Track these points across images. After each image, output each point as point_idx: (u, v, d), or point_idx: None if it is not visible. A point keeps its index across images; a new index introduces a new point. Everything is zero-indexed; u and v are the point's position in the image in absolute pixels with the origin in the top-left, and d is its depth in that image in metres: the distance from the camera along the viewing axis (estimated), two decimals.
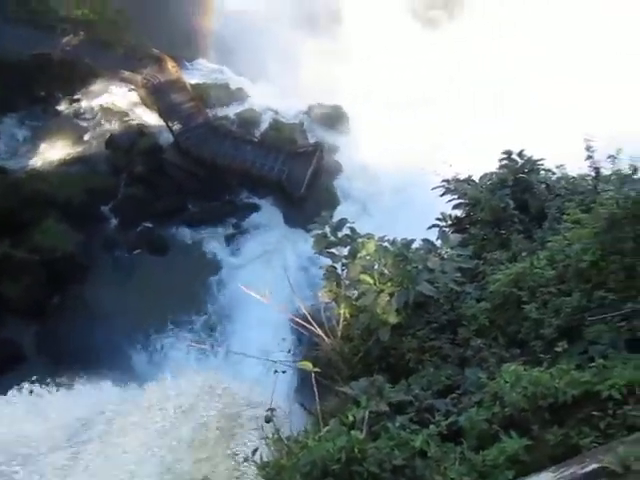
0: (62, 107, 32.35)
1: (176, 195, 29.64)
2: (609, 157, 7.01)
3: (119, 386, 17.39)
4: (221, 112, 32.39)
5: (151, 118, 31.72)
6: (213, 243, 29.22)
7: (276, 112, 32.69)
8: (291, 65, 34.88)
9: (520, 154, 8.12)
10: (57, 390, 17.55)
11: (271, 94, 32.94)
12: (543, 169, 8.15)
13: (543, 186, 7.97)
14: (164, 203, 29.28)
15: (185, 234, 29.30)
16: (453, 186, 8.00)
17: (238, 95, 33.31)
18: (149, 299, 25.33)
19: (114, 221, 29.14)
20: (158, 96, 31.44)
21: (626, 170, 6.06)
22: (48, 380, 18.24)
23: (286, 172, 29.38)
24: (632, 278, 4.97)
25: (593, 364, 4.39)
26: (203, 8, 37.91)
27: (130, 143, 30.40)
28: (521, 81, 29.89)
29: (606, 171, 7.19)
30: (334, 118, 32.70)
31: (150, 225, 29.09)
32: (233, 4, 39.14)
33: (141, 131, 31.10)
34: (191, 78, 33.72)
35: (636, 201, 4.64)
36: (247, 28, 36.29)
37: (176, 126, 30.46)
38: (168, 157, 30.25)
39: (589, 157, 7.28)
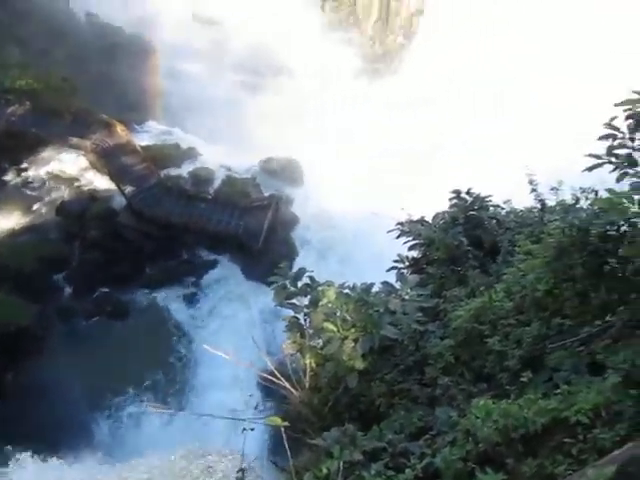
0: (9, 177, 31.79)
1: (132, 258, 29.16)
2: (552, 189, 7.33)
3: (82, 465, 16.47)
4: (174, 172, 32.43)
5: (102, 182, 31.45)
6: (173, 303, 28.69)
7: (228, 168, 32.95)
8: (241, 121, 35.50)
9: (468, 192, 8.36)
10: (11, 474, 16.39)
11: (223, 151, 33.29)
12: (491, 205, 8.40)
13: (494, 221, 8.20)
14: (120, 267, 28.73)
15: (144, 296, 28.70)
16: (407, 228, 8.14)
17: (190, 154, 33.49)
18: (110, 367, 24.40)
19: (69, 289, 28.35)
20: (108, 160, 31.29)
21: (569, 200, 6.31)
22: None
23: (242, 226, 29.39)
24: (585, 303, 5.10)
25: (558, 391, 4.45)
26: (150, 71, 38.46)
27: (82, 209, 29.99)
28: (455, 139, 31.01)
29: (551, 202, 7.48)
30: (287, 170, 33.15)
31: (107, 290, 28.41)
32: (180, 65, 39.94)
33: (93, 196, 30.76)
34: (141, 140, 33.81)
35: (580, 228, 4.83)
36: (195, 88, 36.93)
37: (128, 189, 30.25)
38: (122, 220, 29.89)
39: (533, 190, 7.58)
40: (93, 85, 34.12)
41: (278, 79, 41.70)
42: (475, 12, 35.50)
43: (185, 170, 32.53)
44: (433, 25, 39.12)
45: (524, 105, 29.19)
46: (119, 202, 30.55)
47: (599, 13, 31.77)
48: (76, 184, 31.50)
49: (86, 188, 31.32)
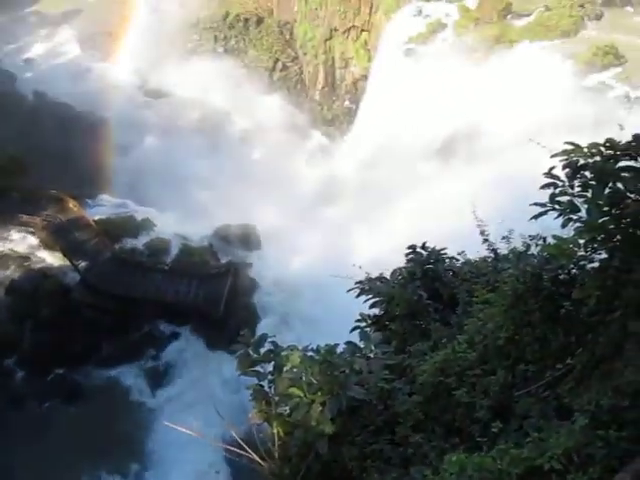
0: None
1: (88, 335, 28.12)
2: (503, 238, 7.55)
3: None
4: (129, 244, 31.99)
5: (55, 259, 30.67)
6: (133, 380, 27.60)
7: (184, 237, 32.74)
8: (196, 189, 35.61)
9: (424, 247, 8.51)
10: None
11: (178, 220, 33.14)
12: (447, 257, 8.55)
13: (450, 273, 8.34)
14: (75, 346, 27.63)
15: (101, 375, 27.56)
16: (367, 286, 8.16)
17: (145, 225, 33.20)
18: (68, 454, 23.02)
19: (21, 373, 26.98)
20: (60, 236, 30.66)
21: (520, 248, 6.49)
22: None
23: (202, 296, 28.95)
24: (546, 347, 5.18)
25: (529, 439, 4.43)
26: (102, 145, 38.49)
27: (33, 287, 28.99)
28: None
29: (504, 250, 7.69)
30: (244, 236, 33.18)
31: (61, 372, 27.16)
32: (132, 137, 40.18)
33: (45, 274, 29.86)
34: (95, 214, 33.41)
35: (533, 275, 4.96)
36: (148, 159, 37.07)
37: (82, 264, 29.58)
38: (76, 296, 29.01)
39: (485, 240, 7.78)
40: (44, 162, 33.81)
41: (229, 146, 42.37)
42: (418, 74, 37.25)
43: (140, 242, 32.14)
44: (377, 89, 40.81)
45: (470, 160, 30.32)
46: (73, 278, 29.74)
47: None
48: (26, 263, 30.60)
49: (37, 266, 30.44)
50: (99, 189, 36.45)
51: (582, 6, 35.53)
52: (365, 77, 44.30)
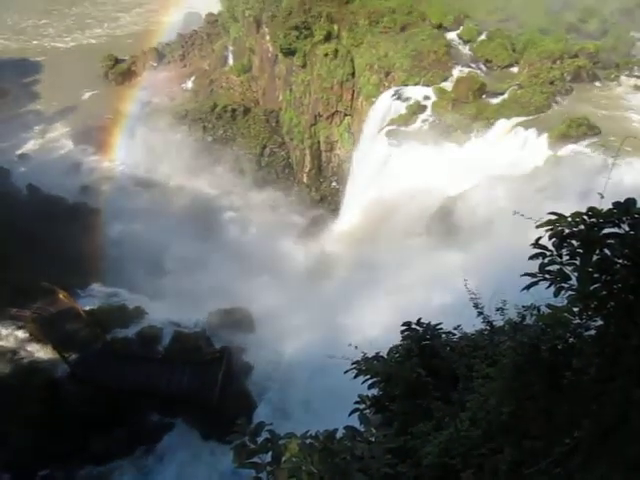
0: None
1: (77, 431, 27.02)
2: (497, 310, 7.51)
3: None
4: (120, 334, 31.49)
5: (44, 353, 30.01)
6: (124, 477, 26.30)
7: (177, 324, 32.35)
8: (187, 275, 35.58)
9: (419, 323, 8.43)
10: None
11: (170, 307, 32.89)
12: (443, 332, 8.46)
13: (448, 348, 8.22)
14: (64, 443, 26.47)
15: (91, 473, 26.27)
16: (364, 366, 8.00)
17: (136, 314, 32.87)
18: None
19: (6, 475, 25.65)
20: (50, 328, 30.20)
21: (516, 318, 6.45)
22: None
23: (195, 383, 28.24)
24: (551, 420, 5.03)
25: None
26: (93, 235, 38.75)
27: (21, 382, 28.12)
28: None
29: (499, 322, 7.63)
30: (238, 320, 32.82)
31: (49, 472, 25.87)
32: (123, 226, 40.57)
33: (33, 368, 29.09)
34: (86, 304, 33.10)
35: (531, 345, 4.90)
36: (139, 247, 37.25)
37: (72, 356, 28.94)
38: (65, 390, 28.15)
39: (480, 313, 7.73)
40: (36, 254, 33.91)
41: (219, 230, 42.85)
42: (401, 153, 38.43)
43: (132, 331, 31.68)
44: (363, 169, 41.95)
45: (458, 234, 30.74)
46: (62, 371, 29.00)
47: None
48: (15, 357, 29.90)
49: (26, 360, 29.72)
50: (90, 279, 36.35)
51: (552, 83, 37.35)
52: (350, 159, 45.63)
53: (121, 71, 62.77)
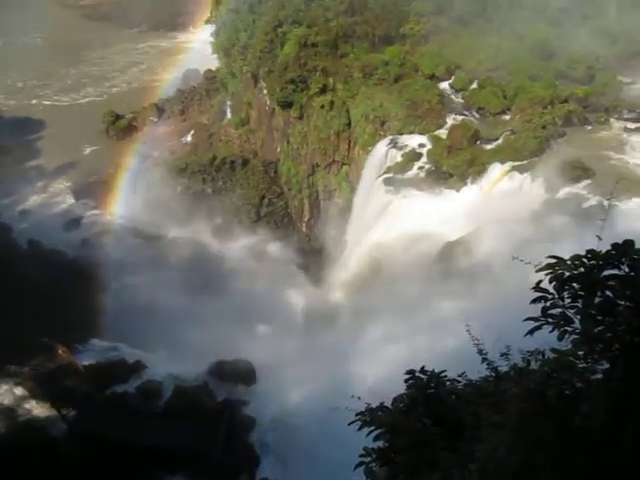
0: None
1: None
2: (502, 355, 7.40)
3: None
4: (120, 389, 30.99)
5: (42, 410, 29.40)
6: None
7: (178, 377, 31.88)
8: (188, 327, 35.28)
9: (422, 371, 8.31)
10: None
11: (170, 360, 32.48)
12: (448, 380, 8.32)
13: (453, 397, 8.07)
14: None
15: None
16: (368, 417, 7.84)
17: (136, 368, 32.46)
18: None
19: None
20: (48, 385, 29.71)
21: (520, 364, 6.36)
22: None
23: (198, 438, 27.57)
24: (562, 469, 4.89)
25: None
26: (93, 289, 38.63)
27: (17, 441, 27.43)
28: None
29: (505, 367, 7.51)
30: (239, 372, 32.40)
31: None
32: (123, 279, 40.50)
33: (30, 426, 28.44)
34: (85, 360, 32.69)
35: (537, 391, 4.82)
36: (140, 300, 37.08)
37: (71, 413, 28.36)
38: (63, 449, 27.44)
39: (484, 359, 7.62)
40: (35, 309, 33.72)
41: (219, 281, 42.74)
42: (399, 200, 38.74)
43: (131, 386, 31.20)
44: (362, 217, 42.27)
45: (460, 278, 30.68)
46: (60, 429, 28.34)
47: None
48: (12, 415, 29.28)
49: (23, 418, 29.10)
50: (90, 333, 36.03)
51: (544, 127, 38.08)
52: (349, 207, 46.02)
53: (122, 127, 64.03)
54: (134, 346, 34.54)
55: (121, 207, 51.81)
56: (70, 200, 54.73)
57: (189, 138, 61.47)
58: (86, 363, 32.08)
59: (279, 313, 38.33)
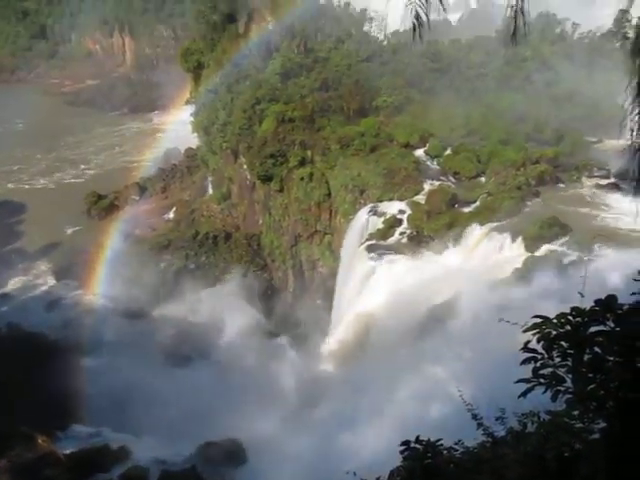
0: None
1: None
2: (497, 419, 7.27)
3: None
4: (103, 478, 29.50)
5: None
6: None
7: (165, 462, 30.53)
8: (175, 408, 34.19)
9: (418, 441, 8.09)
10: None
11: (157, 444, 31.23)
12: (444, 449, 8.11)
13: (451, 465, 7.83)
14: None
15: None
16: None
17: (120, 454, 31.12)
18: None
19: None
20: (28, 477, 28.22)
21: (517, 427, 6.26)
22: None
23: None
24: None
25: None
26: (74, 373, 37.53)
27: None
28: None
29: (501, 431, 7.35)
30: (229, 452, 31.22)
31: None
32: (106, 361, 39.49)
33: None
34: (66, 448, 31.28)
35: (535, 455, 4.73)
36: (123, 381, 36.03)
37: None
38: None
39: (479, 425, 7.47)
40: (15, 395, 32.53)
41: (205, 359, 41.92)
42: (382, 266, 38.94)
43: (115, 474, 29.78)
44: (346, 285, 42.26)
45: (448, 342, 30.47)
46: None
47: None
48: None
49: None
50: (71, 419, 34.69)
51: (519, 188, 39.13)
52: (333, 276, 46.07)
53: (104, 206, 64.40)
54: (118, 430, 33.23)
55: (103, 286, 51.25)
56: (52, 281, 54.10)
57: (171, 215, 61.92)
58: (67, 451, 30.67)
59: (267, 388, 37.38)
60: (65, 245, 58.38)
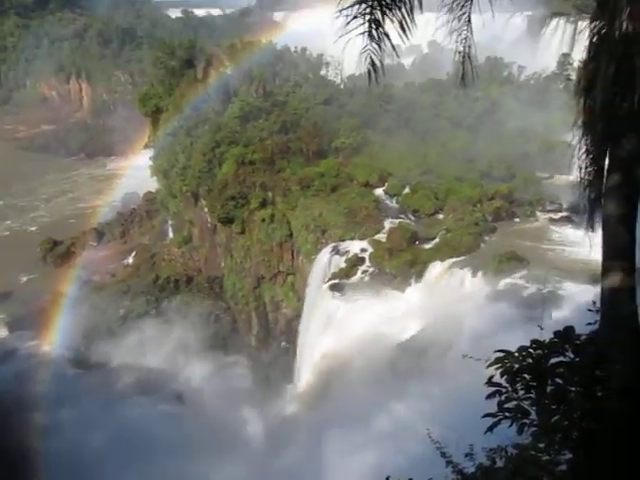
0: None
1: None
2: (466, 455, 7.24)
3: None
4: None
5: None
6: None
7: None
8: (136, 460, 32.87)
9: None
10: None
11: None
12: None
13: None
14: None
15: None
16: None
17: None
18: None
19: None
20: None
21: (485, 462, 6.23)
22: None
23: None
24: None
25: None
26: (26, 428, 35.76)
27: None
28: None
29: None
30: None
31: None
32: (62, 415, 37.84)
33: None
34: None
35: None
36: (76, 436, 34.54)
37: None
38: None
39: (449, 462, 7.43)
40: None
41: (169, 406, 40.64)
42: (346, 305, 38.92)
43: None
44: (311, 325, 41.98)
45: (414, 378, 30.45)
46: None
47: None
48: None
49: None
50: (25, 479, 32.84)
51: (477, 224, 40.12)
52: (297, 317, 45.75)
53: (60, 253, 62.79)
54: None
55: (60, 336, 49.46)
56: (4, 332, 51.95)
57: (130, 260, 60.79)
58: None
59: (232, 433, 36.37)
60: (19, 294, 56.38)
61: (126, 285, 54.11)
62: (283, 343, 48.50)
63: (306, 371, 40.73)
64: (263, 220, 47.14)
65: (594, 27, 4.82)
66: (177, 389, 43.21)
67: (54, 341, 49.33)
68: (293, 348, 45.85)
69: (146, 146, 64.94)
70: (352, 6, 4.79)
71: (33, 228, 72.22)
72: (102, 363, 46.12)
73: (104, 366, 45.82)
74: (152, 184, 64.52)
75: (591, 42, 4.88)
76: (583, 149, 5.14)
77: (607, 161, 4.89)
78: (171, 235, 61.03)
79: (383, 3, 4.79)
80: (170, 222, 61.83)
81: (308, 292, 43.63)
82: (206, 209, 52.96)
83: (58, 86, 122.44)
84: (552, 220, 41.58)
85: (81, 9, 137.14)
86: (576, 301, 24.86)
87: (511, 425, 4.62)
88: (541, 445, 4.47)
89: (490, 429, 4.59)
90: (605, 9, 4.58)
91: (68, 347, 48.24)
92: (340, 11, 4.75)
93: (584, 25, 5.14)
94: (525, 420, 4.61)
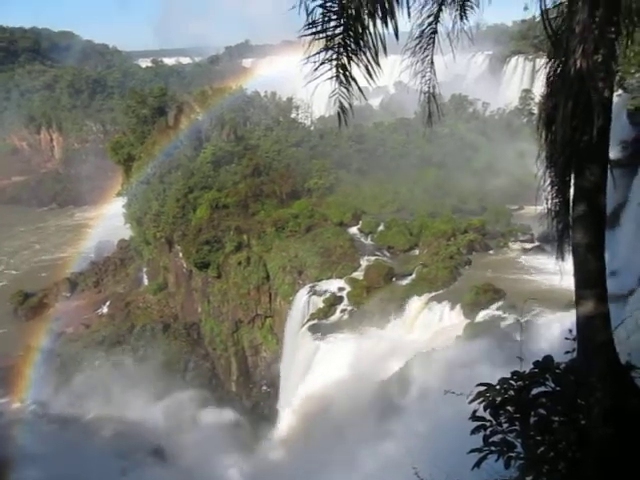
0: None
1: None
2: None
3: None
4: None
5: None
6: None
7: None
8: None
9: None
10: None
11: None
12: None
13: None
14: None
15: None
16: None
17: None
18: None
19: None
20: None
21: None
22: None
23: None
24: None
25: None
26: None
27: None
28: None
29: None
30: None
31: None
32: (31, 475, 36.31)
33: None
34: None
35: None
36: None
37: None
38: None
39: None
40: None
41: (147, 459, 39.35)
42: (326, 345, 38.57)
43: None
44: (291, 367, 41.42)
45: (397, 415, 30.10)
46: None
47: None
48: None
49: None
50: None
51: (452, 257, 40.55)
52: (277, 359, 45.14)
53: (32, 305, 61.34)
54: None
55: (33, 392, 47.82)
56: None
57: (105, 309, 59.64)
58: None
59: None
60: None
61: (101, 335, 52.92)
62: (264, 387, 47.65)
63: (289, 415, 39.95)
64: (239, 263, 46.93)
65: (551, 65, 5.02)
66: (155, 439, 41.87)
67: (26, 397, 47.65)
68: (275, 392, 45.04)
69: (119, 194, 64.60)
70: (319, 53, 4.92)
71: (2, 283, 70.58)
72: (77, 417, 44.58)
73: (79, 420, 44.28)
74: (126, 232, 63.97)
75: (549, 79, 5.08)
76: (548, 181, 5.28)
77: (572, 191, 5.04)
78: (146, 282, 60.23)
79: (349, 49, 4.94)
80: (145, 269, 61.11)
81: (287, 334, 43.22)
82: (181, 254, 52.57)
83: (29, 137, 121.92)
84: (525, 250, 42.31)
85: (51, 61, 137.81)
86: (553, 330, 25.06)
87: (498, 459, 4.58)
88: (528, 479, 4.43)
89: (477, 464, 4.55)
90: (559, 48, 4.79)
91: (41, 403, 46.60)
92: (307, 58, 4.88)
93: (542, 62, 5.36)
94: (511, 454, 4.58)
